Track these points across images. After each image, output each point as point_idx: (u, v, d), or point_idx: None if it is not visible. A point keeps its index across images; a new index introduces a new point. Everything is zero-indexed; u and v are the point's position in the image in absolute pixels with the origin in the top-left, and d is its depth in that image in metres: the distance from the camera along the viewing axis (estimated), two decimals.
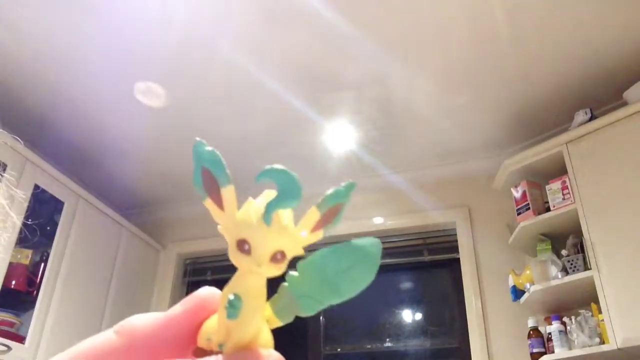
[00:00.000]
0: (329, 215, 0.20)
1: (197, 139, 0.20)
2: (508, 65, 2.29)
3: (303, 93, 2.45)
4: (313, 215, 0.20)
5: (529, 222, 2.36)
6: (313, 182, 3.19)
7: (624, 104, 2.26)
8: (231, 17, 2.07)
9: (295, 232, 0.19)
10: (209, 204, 0.19)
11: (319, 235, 0.20)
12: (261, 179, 0.19)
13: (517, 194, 2.48)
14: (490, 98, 2.49)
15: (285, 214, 0.19)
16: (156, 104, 2.51)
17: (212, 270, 3.36)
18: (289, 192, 0.19)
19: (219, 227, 0.20)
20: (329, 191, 0.20)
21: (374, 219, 3.04)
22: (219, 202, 0.19)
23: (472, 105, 2.53)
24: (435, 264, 2.97)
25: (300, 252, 0.20)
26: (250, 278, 0.19)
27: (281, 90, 2.42)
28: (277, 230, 0.19)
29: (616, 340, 1.93)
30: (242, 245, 0.19)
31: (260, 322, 0.20)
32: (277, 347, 0.20)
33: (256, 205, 0.19)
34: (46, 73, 2.35)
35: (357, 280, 0.19)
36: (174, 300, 3.24)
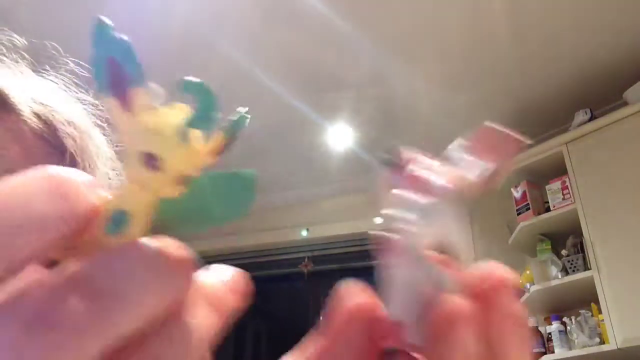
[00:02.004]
0: (229, 142, 0.18)
1: (101, 18, 0.16)
2: (508, 66, 2.29)
3: (303, 93, 2.45)
4: (218, 139, 0.18)
5: (529, 222, 2.36)
6: (313, 182, 3.19)
7: (624, 104, 2.26)
8: (231, 17, 2.07)
9: (202, 153, 0.17)
10: (111, 102, 0.16)
11: (213, 160, 0.18)
12: (186, 91, 0.17)
13: (517, 194, 2.48)
14: (490, 98, 2.49)
15: (196, 134, 0.17)
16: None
17: None
18: (210, 114, 0.17)
19: (119, 133, 0.17)
20: (235, 118, 0.18)
21: (374, 219, 3.04)
22: (124, 104, 0.16)
23: (472, 105, 2.53)
24: None
25: (197, 174, 0.18)
26: (145, 197, 0.17)
27: (281, 90, 2.42)
28: (191, 150, 0.17)
29: (616, 340, 1.93)
30: (150, 160, 0.16)
31: None
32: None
33: (172, 118, 0.17)
34: None
35: (231, 209, 0.18)
36: None
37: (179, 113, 0.17)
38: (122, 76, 0.16)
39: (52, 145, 0.42)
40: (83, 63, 0.53)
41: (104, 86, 0.16)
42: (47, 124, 0.42)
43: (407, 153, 0.22)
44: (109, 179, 0.50)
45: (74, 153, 0.44)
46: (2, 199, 0.14)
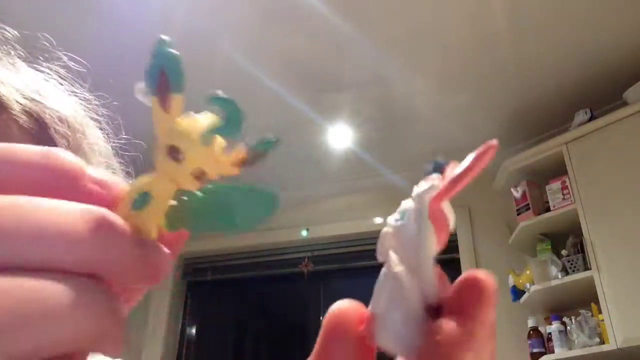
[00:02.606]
0: (252, 158, 0.21)
1: (163, 37, 0.21)
2: (508, 65, 2.29)
3: (303, 93, 2.45)
4: (241, 152, 0.20)
5: (529, 222, 2.36)
6: (313, 182, 3.19)
7: (624, 104, 2.26)
8: (231, 18, 2.07)
9: (222, 159, 0.20)
10: (154, 102, 0.20)
11: (235, 171, 0.21)
12: (214, 104, 0.20)
13: (517, 194, 2.48)
14: (490, 98, 2.49)
15: (220, 142, 0.20)
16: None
17: (211, 270, 3.36)
18: (235, 124, 0.20)
19: (155, 128, 0.20)
20: (264, 137, 0.21)
21: (374, 219, 3.04)
22: (164, 105, 0.20)
23: (472, 105, 2.53)
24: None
25: (215, 178, 0.20)
26: (168, 184, 0.20)
27: (281, 90, 2.42)
28: (210, 151, 0.20)
29: (616, 340, 1.93)
30: (174, 153, 0.19)
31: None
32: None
33: (200, 123, 0.20)
34: None
35: (250, 220, 0.20)
36: (173, 301, 3.25)
37: (207, 120, 0.20)
38: (167, 83, 0.20)
39: (42, 144, 0.41)
40: (77, 57, 0.52)
41: (151, 88, 0.20)
42: (38, 122, 0.41)
43: (448, 165, 0.22)
44: None
45: None
46: None
